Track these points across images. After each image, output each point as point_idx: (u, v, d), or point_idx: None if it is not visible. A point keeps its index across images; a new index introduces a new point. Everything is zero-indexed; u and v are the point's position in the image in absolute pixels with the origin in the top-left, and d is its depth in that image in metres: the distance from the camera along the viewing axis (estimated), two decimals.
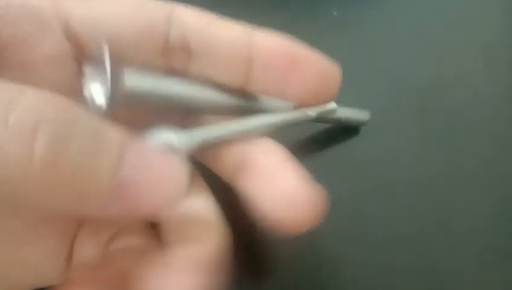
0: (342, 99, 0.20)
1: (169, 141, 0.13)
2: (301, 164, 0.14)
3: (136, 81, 0.13)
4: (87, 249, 0.14)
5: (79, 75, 0.13)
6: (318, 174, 0.13)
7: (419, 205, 0.18)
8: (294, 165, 0.13)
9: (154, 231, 0.14)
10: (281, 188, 0.13)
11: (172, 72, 0.14)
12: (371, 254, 0.17)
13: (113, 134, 0.10)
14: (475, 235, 0.18)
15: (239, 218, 0.14)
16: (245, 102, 0.15)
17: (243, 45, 0.14)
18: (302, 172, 0.13)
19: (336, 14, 0.23)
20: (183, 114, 0.15)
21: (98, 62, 0.12)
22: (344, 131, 0.20)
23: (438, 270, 0.17)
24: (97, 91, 0.13)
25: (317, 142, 0.20)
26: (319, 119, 0.17)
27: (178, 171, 0.11)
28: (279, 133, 0.15)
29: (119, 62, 0.13)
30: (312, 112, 0.16)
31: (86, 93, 0.13)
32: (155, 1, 0.14)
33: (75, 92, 0.13)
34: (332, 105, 0.17)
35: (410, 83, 0.22)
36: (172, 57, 0.14)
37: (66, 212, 0.12)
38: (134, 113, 0.13)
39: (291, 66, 0.14)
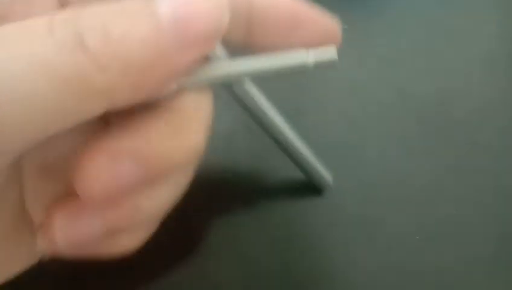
0: (349, 107, 0.21)
1: None
2: None
3: None
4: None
5: None
6: None
7: (422, 215, 0.19)
8: None
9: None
10: None
11: None
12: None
13: None
14: (479, 247, 0.18)
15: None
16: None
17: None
18: None
19: (346, 27, 0.24)
20: None
21: None
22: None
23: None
24: None
25: None
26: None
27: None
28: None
29: None
30: (311, 59, 0.14)
31: None
32: None
33: None
34: (333, 53, 0.14)
35: (415, 95, 0.22)
36: None
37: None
38: None
39: (294, 23, 0.14)
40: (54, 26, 0.10)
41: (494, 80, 0.23)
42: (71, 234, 0.13)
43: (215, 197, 0.19)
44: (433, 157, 0.21)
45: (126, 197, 0.12)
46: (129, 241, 0.14)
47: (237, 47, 0.14)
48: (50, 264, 0.14)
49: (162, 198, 0.13)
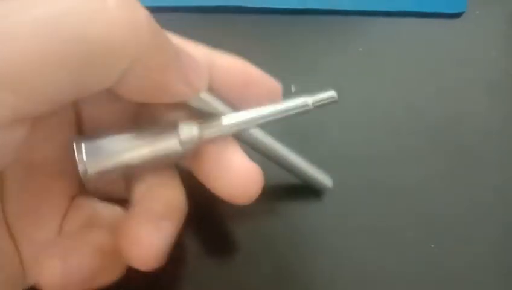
0: (363, 126, 0.22)
1: (192, 132, 0.15)
2: None
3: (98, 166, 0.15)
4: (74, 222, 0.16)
5: None
6: None
7: (431, 235, 0.21)
8: (238, 149, 0.16)
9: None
10: (228, 167, 0.15)
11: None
12: None
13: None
14: (487, 263, 0.20)
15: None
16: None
17: (205, 63, 0.16)
18: (244, 154, 0.16)
19: (360, 49, 0.25)
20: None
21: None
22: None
23: None
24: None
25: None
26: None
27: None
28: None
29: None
30: (310, 101, 0.17)
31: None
32: None
33: None
34: (331, 93, 0.17)
35: (423, 118, 0.24)
36: None
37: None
38: None
39: (247, 82, 0.16)
40: None
41: (497, 104, 0.24)
42: (62, 277, 0.15)
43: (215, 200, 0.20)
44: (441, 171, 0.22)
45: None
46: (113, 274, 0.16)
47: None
48: None
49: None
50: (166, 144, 0.15)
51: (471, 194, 0.22)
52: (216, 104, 0.16)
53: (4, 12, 0.11)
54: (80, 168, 0.14)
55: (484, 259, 0.20)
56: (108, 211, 0.17)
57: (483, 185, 0.22)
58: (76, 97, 0.12)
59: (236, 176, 0.15)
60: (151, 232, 0.14)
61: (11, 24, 0.11)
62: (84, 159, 0.14)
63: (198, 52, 0.16)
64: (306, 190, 0.21)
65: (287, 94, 0.22)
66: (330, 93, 0.17)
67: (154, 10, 0.24)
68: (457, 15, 0.27)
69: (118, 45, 0.12)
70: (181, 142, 0.15)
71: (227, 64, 0.16)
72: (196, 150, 0.16)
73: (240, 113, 0.16)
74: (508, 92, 0.25)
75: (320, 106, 0.17)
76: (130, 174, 0.16)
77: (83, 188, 0.17)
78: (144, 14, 0.12)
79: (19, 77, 0.11)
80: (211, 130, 0.16)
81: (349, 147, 0.22)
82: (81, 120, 0.17)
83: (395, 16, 0.26)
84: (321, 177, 0.20)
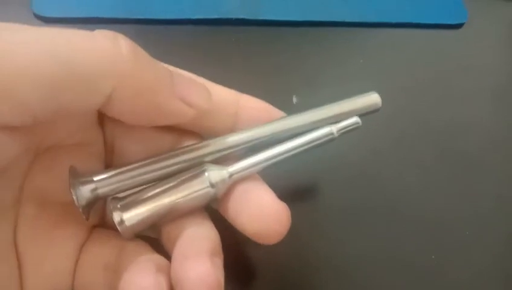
0: (366, 135, 0.22)
1: (222, 175, 0.15)
2: None
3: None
4: (93, 258, 0.16)
5: None
6: None
7: (436, 239, 0.21)
8: (266, 187, 0.16)
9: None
10: (257, 206, 0.15)
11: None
12: None
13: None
14: (488, 271, 0.20)
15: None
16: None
17: (232, 103, 0.17)
18: (272, 193, 0.16)
19: (361, 61, 0.26)
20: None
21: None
22: None
23: None
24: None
25: None
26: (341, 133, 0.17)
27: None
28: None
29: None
30: (335, 129, 0.17)
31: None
32: None
33: None
34: (356, 119, 0.17)
35: (427, 127, 0.24)
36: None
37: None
38: None
39: (269, 118, 0.17)
40: None
41: (501, 111, 0.25)
42: None
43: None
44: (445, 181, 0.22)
45: None
46: None
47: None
48: None
49: None
50: (197, 189, 0.15)
51: (474, 202, 0.22)
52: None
53: (7, 36, 0.12)
54: (116, 219, 0.15)
55: (485, 268, 0.20)
56: (134, 244, 0.17)
57: (486, 194, 0.22)
58: (60, 114, 0.13)
59: (267, 215, 0.15)
60: (210, 268, 0.14)
61: (17, 43, 0.12)
62: (120, 210, 0.15)
63: (226, 93, 0.17)
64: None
65: (288, 105, 0.23)
66: (354, 120, 0.17)
67: (159, 23, 0.25)
68: (458, 26, 0.27)
69: (98, 72, 0.13)
70: (212, 186, 0.15)
71: (253, 105, 0.17)
72: (226, 190, 0.16)
73: (268, 150, 0.16)
74: (509, 99, 0.25)
75: (345, 133, 0.17)
76: (164, 220, 0.16)
77: (103, 220, 0.17)
78: (124, 45, 0.14)
79: (8, 89, 0.12)
80: (240, 171, 0.16)
81: (353, 156, 0.22)
82: (112, 153, 0.17)
83: (396, 27, 0.27)
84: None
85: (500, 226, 0.21)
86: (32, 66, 0.12)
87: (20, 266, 0.15)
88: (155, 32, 0.24)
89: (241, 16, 0.25)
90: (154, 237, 0.17)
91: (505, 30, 0.27)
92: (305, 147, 0.17)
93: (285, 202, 0.16)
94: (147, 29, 0.25)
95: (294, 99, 0.23)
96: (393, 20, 0.27)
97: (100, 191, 0.15)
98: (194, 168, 0.16)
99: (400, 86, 0.25)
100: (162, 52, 0.15)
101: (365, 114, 0.18)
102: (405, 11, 0.27)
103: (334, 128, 0.17)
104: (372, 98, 0.18)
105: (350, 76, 0.25)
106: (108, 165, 0.17)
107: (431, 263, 0.20)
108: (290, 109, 0.18)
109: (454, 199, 0.22)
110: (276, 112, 0.18)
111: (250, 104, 0.17)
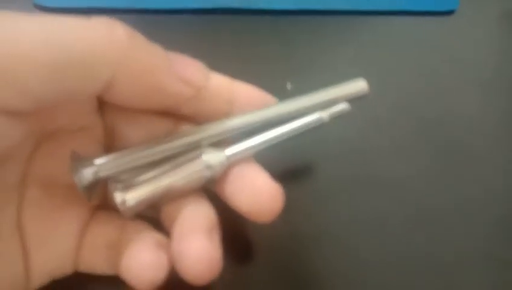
0: (355, 122, 0.22)
1: (219, 158, 0.16)
2: None
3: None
4: (97, 239, 0.17)
5: None
6: None
7: (423, 229, 0.21)
8: (260, 169, 0.17)
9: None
10: (251, 186, 0.16)
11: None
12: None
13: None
14: (477, 256, 0.21)
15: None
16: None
17: (227, 89, 0.17)
18: (266, 174, 0.17)
19: (353, 48, 0.26)
20: None
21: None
22: None
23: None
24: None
25: None
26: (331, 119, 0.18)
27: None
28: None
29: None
30: (325, 115, 0.18)
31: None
32: None
33: None
34: (344, 105, 0.18)
35: (417, 115, 0.24)
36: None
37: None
38: None
39: (262, 104, 0.18)
40: None
41: (489, 102, 0.25)
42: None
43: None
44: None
45: None
46: None
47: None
48: None
49: None
50: (195, 171, 0.16)
51: (461, 189, 0.22)
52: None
53: (8, 24, 0.13)
54: (117, 200, 0.15)
55: (473, 252, 0.21)
56: (135, 223, 0.17)
57: (473, 181, 0.23)
58: (61, 100, 0.14)
59: (261, 195, 0.16)
60: (208, 244, 0.15)
61: (18, 31, 0.13)
62: (121, 191, 0.15)
63: (221, 80, 0.17)
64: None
65: (282, 91, 0.23)
66: (343, 105, 0.18)
67: (152, 12, 0.25)
68: (448, 12, 0.28)
69: (96, 58, 0.14)
70: (209, 167, 0.16)
71: (247, 92, 0.18)
72: (222, 172, 0.17)
73: (262, 134, 0.17)
74: (498, 89, 0.25)
75: (335, 117, 0.18)
76: (163, 201, 0.17)
77: (105, 201, 0.18)
78: (121, 31, 0.14)
79: (11, 75, 0.12)
80: (235, 154, 0.17)
81: (341, 143, 0.23)
82: (113, 139, 0.18)
83: (387, 14, 0.27)
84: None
85: (487, 211, 0.22)
86: (33, 53, 0.13)
87: (25, 247, 0.16)
88: (154, 22, 0.25)
89: (236, 5, 0.26)
90: (154, 217, 0.17)
91: (497, 18, 0.28)
92: (298, 131, 0.18)
93: (279, 181, 0.16)
94: (145, 19, 0.25)
95: (289, 86, 0.24)
96: (384, 7, 0.27)
97: (101, 173, 0.16)
98: (192, 151, 0.17)
99: (390, 72, 0.25)
100: (159, 42, 0.16)
101: (354, 99, 0.19)
102: None
103: (324, 114, 0.18)
104: (360, 85, 0.19)
105: (341, 63, 0.25)
106: (108, 150, 0.17)
107: (420, 244, 0.21)
108: (284, 95, 0.18)
109: (441, 185, 0.22)
110: (270, 98, 0.18)
111: (245, 91, 0.18)
